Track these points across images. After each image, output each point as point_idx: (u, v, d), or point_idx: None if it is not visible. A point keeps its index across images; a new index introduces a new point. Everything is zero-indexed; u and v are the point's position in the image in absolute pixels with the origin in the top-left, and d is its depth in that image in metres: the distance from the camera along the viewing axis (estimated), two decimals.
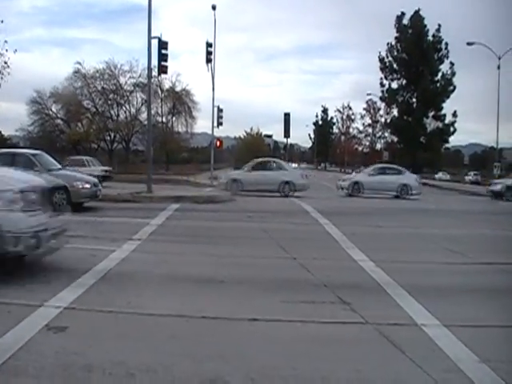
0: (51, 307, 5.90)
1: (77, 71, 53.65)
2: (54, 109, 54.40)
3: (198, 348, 4.88)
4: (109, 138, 55.02)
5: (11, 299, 6.17)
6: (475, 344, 5.02)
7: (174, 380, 4.19)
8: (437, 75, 60.79)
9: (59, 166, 17.64)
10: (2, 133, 50.92)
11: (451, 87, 60.09)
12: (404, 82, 63.08)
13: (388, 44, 63.63)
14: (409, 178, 28.92)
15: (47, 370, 4.28)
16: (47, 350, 4.69)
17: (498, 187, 30.55)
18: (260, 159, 29.71)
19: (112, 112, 55.41)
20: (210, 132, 41.31)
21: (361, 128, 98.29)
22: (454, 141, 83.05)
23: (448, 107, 61.04)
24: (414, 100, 62.52)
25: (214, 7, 38.28)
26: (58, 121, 55.14)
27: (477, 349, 4.88)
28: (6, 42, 28.12)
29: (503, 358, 4.79)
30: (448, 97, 60.17)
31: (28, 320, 5.43)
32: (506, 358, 4.84)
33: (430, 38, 61.08)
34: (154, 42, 22.82)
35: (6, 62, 28.28)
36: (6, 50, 28.09)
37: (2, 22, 28.08)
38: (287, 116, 41.67)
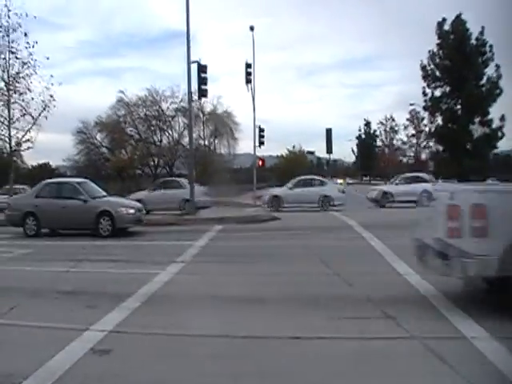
0: (96, 331, 6.02)
1: (120, 100, 54.89)
2: (98, 137, 55.67)
3: (239, 367, 4.88)
4: (152, 163, 55.85)
5: (59, 323, 6.35)
6: None
7: None
8: (482, 79, 59.20)
9: (104, 193, 18.06)
10: (50, 163, 52.55)
11: (497, 91, 58.35)
12: (447, 88, 61.71)
13: (430, 51, 62.71)
14: (331, 189, 28.48)
15: None
16: (92, 372, 4.80)
17: None
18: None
19: (155, 138, 56.24)
20: (252, 152, 41.54)
21: (404, 139, 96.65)
22: (504, 146, 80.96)
23: (495, 112, 59.38)
24: (459, 107, 61.15)
25: (252, 28, 38.71)
26: (103, 149, 56.38)
27: None
28: (51, 76, 29.03)
29: None
30: (494, 101, 58.36)
31: (74, 344, 5.56)
32: None
33: (474, 41, 59.81)
34: (194, 67, 23.23)
35: (51, 96, 29.15)
36: (52, 84, 29.04)
37: (48, 58, 29.02)
38: (329, 131, 41.41)
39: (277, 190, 28.86)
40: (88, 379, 4.63)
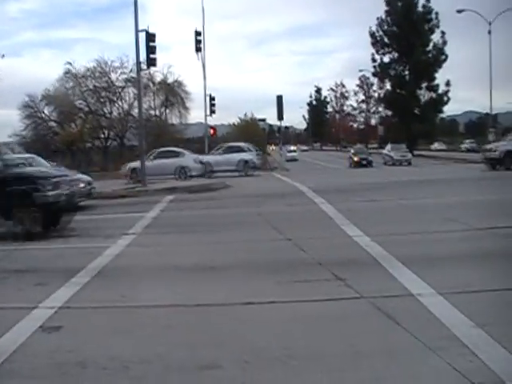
0: (46, 308, 5.91)
1: (67, 72, 53.19)
2: (46, 111, 54.04)
3: (193, 336, 4.88)
4: (103, 135, 54.77)
5: (6, 303, 6.19)
6: (470, 310, 5.01)
7: (168, 368, 4.18)
8: (428, 46, 60.29)
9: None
10: None
11: (443, 57, 59.62)
12: (396, 55, 62.66)
13: (378, 18, 63.12)
14: (187, 159, 29.26)
15: (42, 370, 4.29)
16: (42, 350, 4.70)
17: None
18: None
19: (105, 109, 54.95)
20: (204, 121, 41.21)
21: (355, 105, 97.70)
22: (449, 110, 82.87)
23: (441, 77, 60.66)
24: (407, 72, 62.15)
25: None
26: (52, 123, 54.83)
27: (472, 314, 4.87)
28: None
29: (498, 321, 4.79)
30: (440, 66, 59.70)
31: (22, 322, 5.43)
32: (500, 320, 4.84)
33: (420, 9, 60.53)
34: (143, 36, 22.73)
35: None
36: None
37: None
38: (280, 98, 41.43)
39: (134, 164, 28.32)
40: (38, 357, 4.53)
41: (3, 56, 28.75)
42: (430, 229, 9.68)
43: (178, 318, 5.45)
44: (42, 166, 17.15)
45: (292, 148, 75.34)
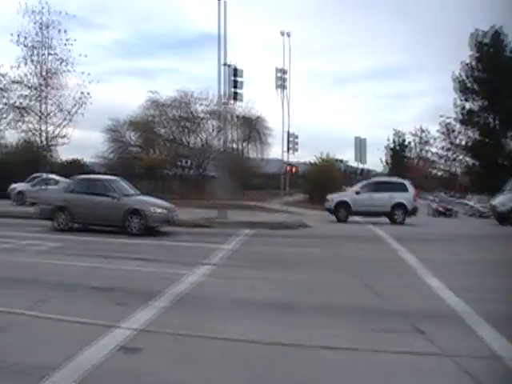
0: (126, 328, 6.04)
1: (151, 100, 55.41)
2: (129, 136, 56.26)
3: (268, 373, 4.84)
4: (182, 164, 56.19)
5: (88, 318, 6.39)
6: None
7: None
8: None
9: (135, 192, 18.20)
10: (82, 159, 53.09)
11: None
12: (481, 101, 60.92)
13: (462, 63, 61.78)
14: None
15: None
16: (121, 370, 4.81)
17: None
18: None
19: (186, 139, 56.63)
20: (282, 157, 41.42)
21: (436, 151, 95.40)
22: None
23: None
24: (494, 120, 60.21)
25: (286, 33, 38.76)
26: (134, 148, 56.92)
27: None
28: (88, 74, 29.54)
29: None
30: None
31: (104, 340, 5.58)
32: None
33: (509, 53, 58.76)
34: (227, 69, 23.23)
35: (88, 93, 29.66)
36: (90, 82, 29.52)
37: (86, 56, 29.53)
38: (360, 140, 41.10)
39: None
40: (117, 376, 4.64)
41: (98, 82, 30.34)
42: None
43: (255, 353, 5.42)
44: (126, 188, 17.87)
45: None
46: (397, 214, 23.63)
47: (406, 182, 25.49)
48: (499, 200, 25.41)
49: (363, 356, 5.42)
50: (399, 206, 23.65)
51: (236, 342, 5.73)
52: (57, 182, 30.77)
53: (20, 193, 30.40)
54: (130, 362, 5.03)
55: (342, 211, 24.12)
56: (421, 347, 5.66)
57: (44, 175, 30.66)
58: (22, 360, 4.92)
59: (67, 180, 31.58)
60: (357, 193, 24.94)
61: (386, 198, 23.73)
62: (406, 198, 23.87)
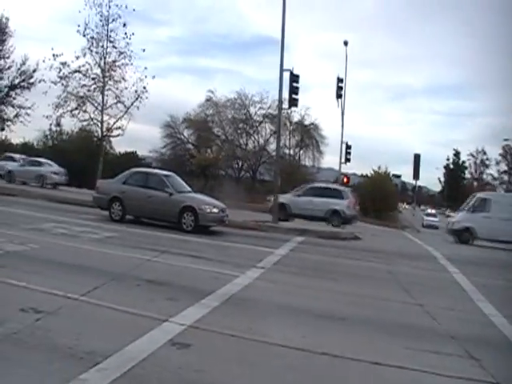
0: (176, 323, 6.10)
1: (209, 99, 56.03)
2: (185, 134, 57.09)
3: (316, 383, 4.76)
4: (236, 166, 56.62)
5: (139, 310, 6.48)
6: None
7: None
8: None
9: (189, 189, 18.38)
10: (137, 153, 54.17)
11: None
12: None
13: None
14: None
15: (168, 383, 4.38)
16: (170, 364, 4.84)
17: None
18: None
19: (241, 141, 56.99)
20: (336, 167, 41.23)
21: (495, 175, 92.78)
22: None
23: None
24: None
25: (346, 43, 38.55)
26: (189, 145, 57.67)
27: None
28: (145, 68, 30.24)
29: None
30: None
31: (154, 333, 5.66)
32: None
33: None
34: (286, 75, 23.17)
35: (145, 87, 30.33)
36: (146, 76, 30.17)
37: (144, 50, 30.26)
38: (417, 157, 40.45)
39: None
40: (166, 370, 4.67)
41: (154, 77, 31.00)
42: None
43: (304, 362, 5.36)
44: (181, 185, 18.08)
45: (430, 211, 62.76)
46: (332, 220, 24.45)
47: (345, 190, 26.48)
48: (456, 218, 26.58)
49: (414, 376, 5.30)
50: (334, 212, 24.61)
51: (284, 348, 5.69)
52: (14, 160, 32.64)
53: (10, 172, 31.20)
54: (179, 357, 5.06)
55: (281, 212, 24.07)
56: (474, 374, 5.49)
57: (7, 154, 33.32)
58: (74, 344, 5.03)
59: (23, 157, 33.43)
60: (298, 196, 25.90)
61: (323, 204, 24.62)
62: (342, 204, 24.74)
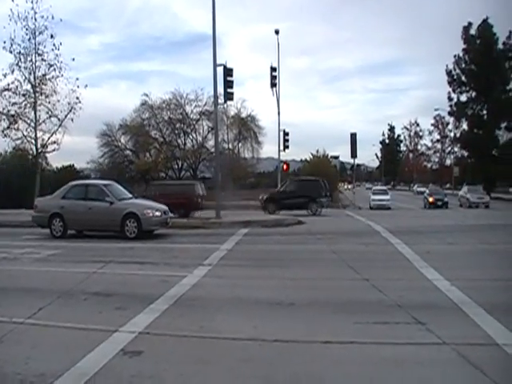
0: (126, 332, 6.06)
1: (144, 103, 55.40)
2: (122, 140, 56.20)
3: (272, 371, 4.86)
4: (176, 166, 56.20)
5: (88, 324, 6.40)
6: None
7: None
8: (509, 84, 58.51)
9: (130, 196, 18.17)
10: (75, 166, 52.99)
11: None
12: (473, 94, 61.08)
13: (455, 56, 61.96)
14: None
15: None
16: (124, 373, 4.81)
17: None
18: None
19: (179, 141, 56.61)
20: (276, 156, 41.61)
21: (429, 144, 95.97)
22: None
23: None
24: (485, 112, 60.38)
25: (277, 32, 38.95)
26: (127, 152, 56.85)
27: None
28: (77, 79, 29.49)
29: None
30: None
31: (104, 345, 5.60)
32: None
33: (501, 46, 58.95)
34: (219, 70, 23.22)
35: (77, 98, 29.62)
36: (78, 87, 29.46)
37: (74, 59, 29.53)
38: (353, 136, 41.15)
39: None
40: (120, 380, 4.65)
41: (86, 86, 30.34)
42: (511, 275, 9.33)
43: (257, 352, 5.43)
44: (122, 192, 17.84)
45: (380, 187, 53.96)
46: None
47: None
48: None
49: (366, 349, 5.46)
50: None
51: (236, 341, 5.76)
52: None
53: None
54: (132, 365, 5.03)
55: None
56: (421, 337, 5.74)
57: None
58: (23, 369, 4.92)
59: None
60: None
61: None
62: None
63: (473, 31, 60.41)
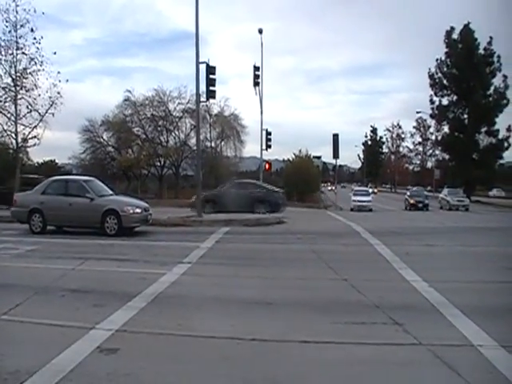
0: (103, 329, 6.02)
1: (127, 99, 54.81)
2: (105, 136, 55.46)
3: (249, 370, 4.87)
4: (159, 163, 55.81)
5: (65, 321, 6.35)
6: None
7: None
8: (489, 89, 59.16)
9: (111, 192, 18.04)
10: (56, 161, 52.54)
11: (505, 101, 58.08)
12: (455, 97, 61.61)
13: (437, 60, 62.51)
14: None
15: None
16: (99, 371, 4.77)
17: None
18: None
19: (161, 138, 56.09)
20: (258, 155, 41.58)
21: (411, 147, 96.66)
22: (510, 156, 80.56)
23: (501, 122, 59.26)
24: (466, 116, 60.96)
25: (260, 31, 38.91)
26: (109, 148, 56.24)
27: None
28: (58, 72, 29.22)
29: None
30: (501, 111, 58.23)
31: (80, 342, 5.56)
32: None
33: (482, 51, 59.60)
34: (202, 68, 23.13)
35: (59, 93, 29.33)
36: (59, 81, 29.17)
37: (55, 53, 29.34)
38: (336, 137, 41.21)
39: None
40: (95, 378, 4.61)
41: (67, 81, 30.15)
42: (488, 278, 9.45)
43: (234, 350, 5.44)
44: (102, 189, 17.71)
45: (360, 188, 55.24)
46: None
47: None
48: None
49: (343, 349, 5.49)
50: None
51: (213, 340, 5.75)
52: None
53: None
54: (108, 363, 5.00)
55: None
56: (398, 338, 5.78)
57: None
58: None
59: None
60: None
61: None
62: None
63: (455, 35, 60.98)
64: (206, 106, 51.97)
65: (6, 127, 29.72)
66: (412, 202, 41.33)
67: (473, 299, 7.68)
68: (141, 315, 6.69)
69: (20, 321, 6.43)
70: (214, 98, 24.99)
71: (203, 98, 25.30)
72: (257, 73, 37.07)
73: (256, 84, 37.47)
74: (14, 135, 29.84)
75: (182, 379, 4.57)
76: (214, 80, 23.55)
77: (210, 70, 23.31)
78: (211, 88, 23.57)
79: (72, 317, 6.57)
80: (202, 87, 23.70)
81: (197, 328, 6.15)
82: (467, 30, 60.14)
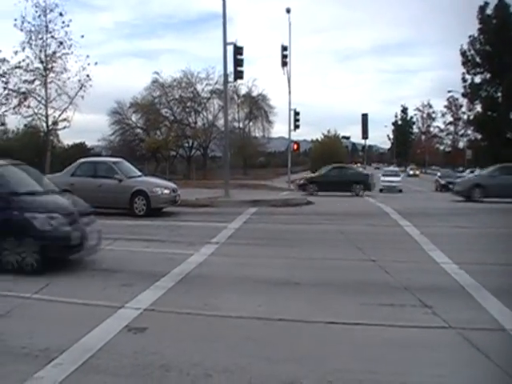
0: (131, 309, 6.08)
1: (155, 81, 55.00)
2: (133, 118, 55.97)
3: (275, 350, 4.86)
4: (187, 145, 56.00)
5: (94, 300, 6.43)
6: None
7: (250, 381, 4.17)
8: None
9: (139, 173, 18.17)
10: (86, 143, 53.05)
11: None
12: (488, 75, 60.01)
13: (470, 37, 60.87)
14: None
15: (126, 369, 4.40)
16: (127, 349, 4.82)
17: None
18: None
19: (190, 119, 56.31)
20: (286, 136, 41.41)
21: (442, 127, 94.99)
22: None
23: None
24: (499, 94, 59.42)
25: (288, 10, 38.43)
26: (138, 130, 56.67)
27: None
28: (88, 56, 29.49)
29: None
30: None
31: (109, 321, 5.63)
32: None
33: None
34: (230, 49, 23.04)
35: (88, 75, 29.61)
36: (88, 64, 29.43)
37: (83, 37, 29.45)
38: (365, 117, 40.91)
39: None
40: (123, 356, 4.65)
41: (96, 63, 30.34)
42: None
43: (260, 330, 5.45)
44: (131, 170, 17.83)
45: (391, 168, 53.60)
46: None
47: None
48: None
49: (370, 331, 5.46)
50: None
51: (240, 319, 5.77)
52: None
53: None
54: (135, 342, 5.05)
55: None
56: (427, 321, 5.70)
57: None
58: (28, 343, 4.93)
59: None
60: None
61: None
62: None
63: (489, 11, 59.21)
64: (234, 86, 51.89)
65: (36, 110, 30.16)
66: (443, 182, 40.70)
67: (504, 282, 7.52)
68: (168, 295, 6.75)
69: (50, 300, 6.53)
70: (241, 78, 24.90)
71: (231, 79, 25.30)
72: (285, 53, 36.71)
73: (284, 64, 37.14)
74: (44, 118, 30.29)
75: (207, 358, 4.59)
76: (242, 60, 23.45)
77: (238, 50, 23.20)
78: (239, 68, 23.48)
79: (101, 296, 6.66)
80: (230, 68, 23.65)
81: (223, 308, 6.17)
82: (502, 5, 58.31)
